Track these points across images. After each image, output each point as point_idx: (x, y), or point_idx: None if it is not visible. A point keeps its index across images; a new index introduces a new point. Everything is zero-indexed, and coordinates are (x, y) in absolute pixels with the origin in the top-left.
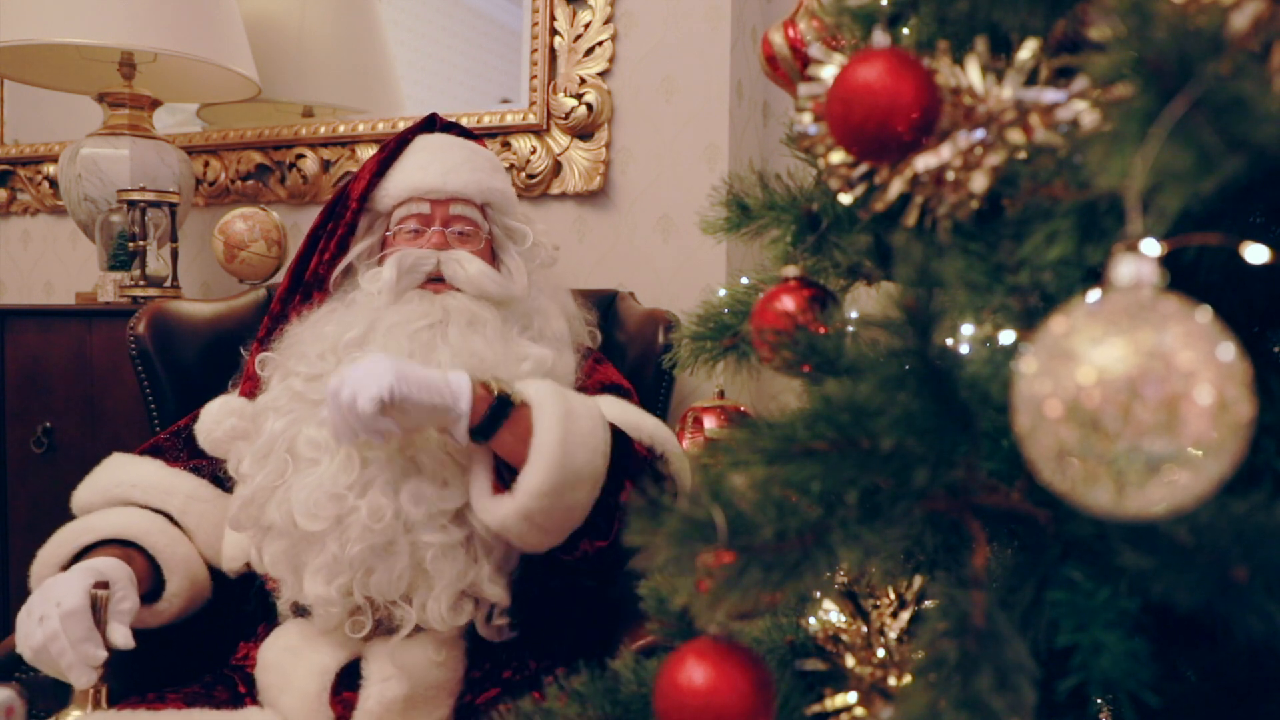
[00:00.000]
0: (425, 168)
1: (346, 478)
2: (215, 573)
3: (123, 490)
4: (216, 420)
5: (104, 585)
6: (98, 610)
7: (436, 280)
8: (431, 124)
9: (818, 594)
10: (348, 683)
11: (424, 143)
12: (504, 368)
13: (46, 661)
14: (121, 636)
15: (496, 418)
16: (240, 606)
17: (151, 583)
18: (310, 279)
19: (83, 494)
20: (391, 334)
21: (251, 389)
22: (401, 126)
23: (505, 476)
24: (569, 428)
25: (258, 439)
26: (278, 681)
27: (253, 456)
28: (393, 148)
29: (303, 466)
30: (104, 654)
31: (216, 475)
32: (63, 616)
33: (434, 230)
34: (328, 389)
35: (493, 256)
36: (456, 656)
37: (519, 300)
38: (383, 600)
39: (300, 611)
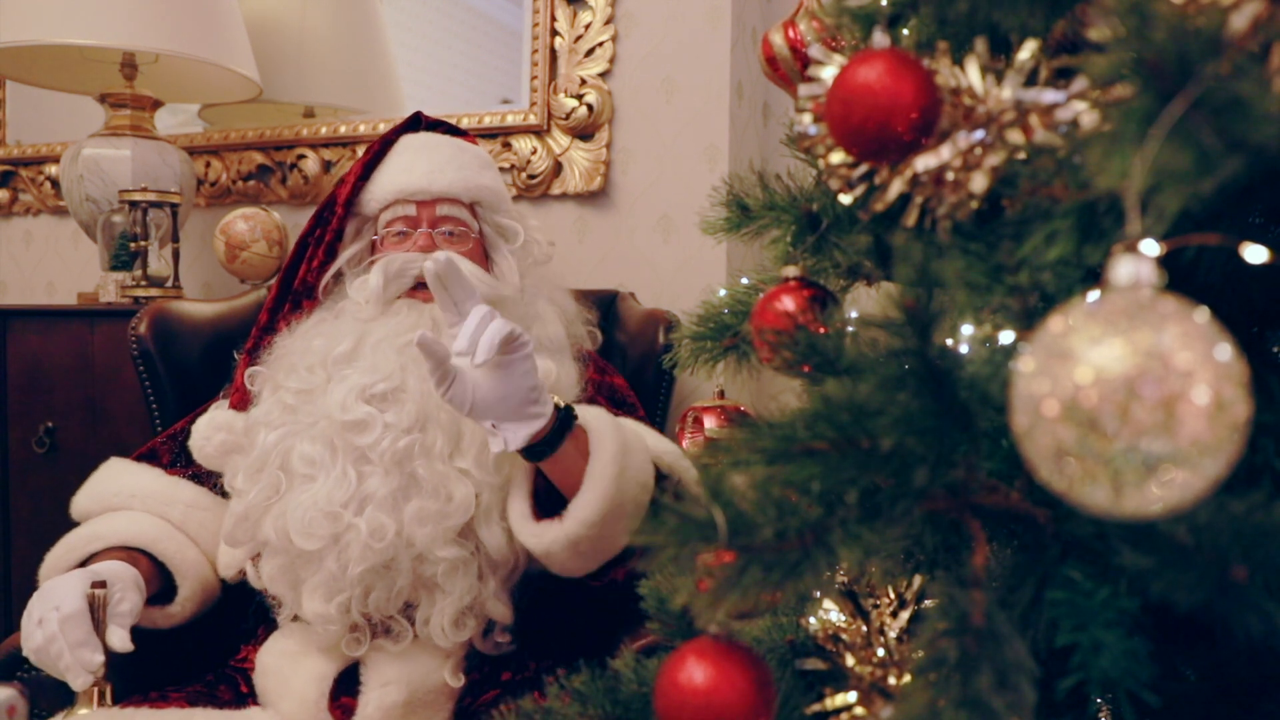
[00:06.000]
0: (410, 169)
1: (342, 494)
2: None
3: (122, 500)
4: (206, 436)
5: (101, 585)
6: (96, 612)
7: (424, 285)
8: (416, 123)
9: (818, 594)
10: (346, 688)
11: (408, 143)
12: None
13: (47, 663)
14: (119, 640)
15: (561, 433)
16: (241, 609)
17: (160, 585)
18: (299, 287)
19: (82, 502)
20: (380, 348)
21: (240, 400)
22: None
23: (542, 501)
24: (625, 463)
25: (251, 452)
26: (276, 686)
27: (246, 471)
28: (376, 149)
29: (297, 483)
30: (100, 658)
31: (217, 482)
32: (61, 620)
33: (421, 232)
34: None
35: (484, 256)
36: (455, 661)
37: (512, 303)
38: (380, 616)
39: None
